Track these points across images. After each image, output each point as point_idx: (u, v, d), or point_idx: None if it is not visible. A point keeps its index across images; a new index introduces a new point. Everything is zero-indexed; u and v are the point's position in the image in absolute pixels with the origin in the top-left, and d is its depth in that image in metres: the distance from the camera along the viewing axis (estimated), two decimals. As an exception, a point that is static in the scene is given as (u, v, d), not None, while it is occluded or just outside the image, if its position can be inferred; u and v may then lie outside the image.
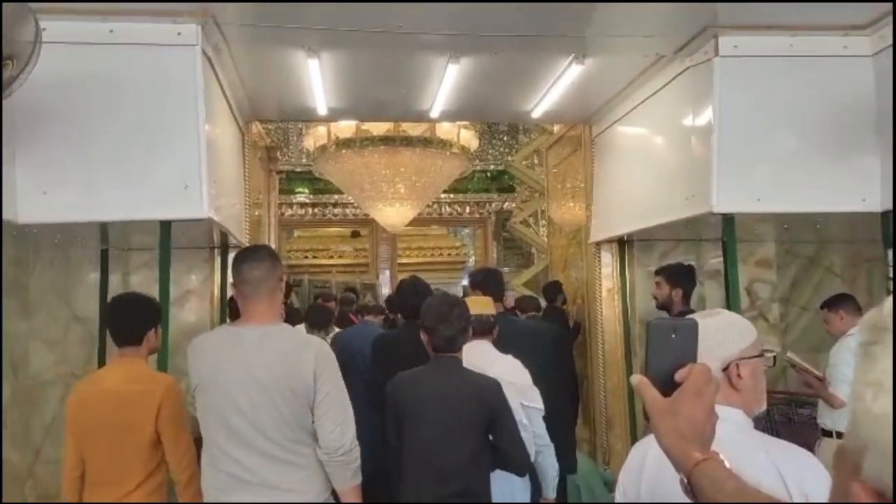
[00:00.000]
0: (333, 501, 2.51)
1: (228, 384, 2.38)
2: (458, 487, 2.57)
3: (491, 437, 2.65)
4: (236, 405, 2.36)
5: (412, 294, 3.66)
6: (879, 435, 0.53)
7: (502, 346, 3.11)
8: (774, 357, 1.53)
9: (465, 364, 2.79)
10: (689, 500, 0.94)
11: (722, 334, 1.49)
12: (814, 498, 1.28)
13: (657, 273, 4.26)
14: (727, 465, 0.92)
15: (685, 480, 0.94)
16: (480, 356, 2.94)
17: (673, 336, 1.03)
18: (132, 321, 2.79)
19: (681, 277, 4.05)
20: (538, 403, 2.97)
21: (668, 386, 0.99)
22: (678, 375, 0.99)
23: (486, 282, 3.57)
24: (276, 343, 2.44)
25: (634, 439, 4.72)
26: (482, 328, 3.08)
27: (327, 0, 2.96)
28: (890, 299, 0.58)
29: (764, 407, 1.53)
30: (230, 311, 3.95)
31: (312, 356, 2.42)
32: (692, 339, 1.04)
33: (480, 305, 3.21)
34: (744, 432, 1.44)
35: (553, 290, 6.16)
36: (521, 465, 2.74)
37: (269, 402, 2.36)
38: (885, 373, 0.54)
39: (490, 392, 2.67)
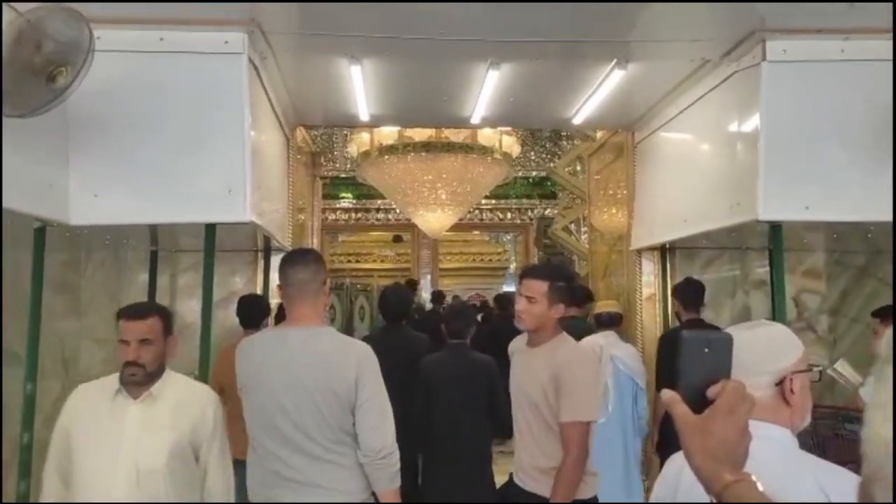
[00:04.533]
0: (374, 500, 2.53)
1: (273, 385, 2.42)
2: (468, 430, 3.61)
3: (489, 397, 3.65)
4: (281, 406, 2.40)
5: (394, 300, 4.21)
6: (888, 462, 0.51)
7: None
8: (821, 371, 1.47)
9: (593, 348, 4.01)
10: None
11: (776, 346, 1.43)
12: None
13: None
14: (760, 487, 0.88)
15: (715, 502, 0.92)
16: (605, 343, 4.12)
17: (706, 350, 0.98)
18: None
19: (676, 291, 4.43)
20: (643, 382, 4.23)
21: (699, 402, 0.95)
22: (710, 392, 0.95)
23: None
24: (320, 345, 2.47)
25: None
26: (610, 321, 4.34)
27: (369, 0, 2.97)
28: None
29: (808, 421, 1.48)
30: (276, 316, 4.05)
31: (355, 359, 2.44)
32: (726, 354, 0.99)
33: (608, 304, 4.51)
34: (789, 453, 1.38)
35: None
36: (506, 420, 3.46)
37: (311, 403, 2.39)
38: None
39: (489, 367, 3.71)
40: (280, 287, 2.60)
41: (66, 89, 2.40)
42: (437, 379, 3.67)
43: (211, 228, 3.26)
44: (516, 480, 2.83)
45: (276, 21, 3.19)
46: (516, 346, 2.99)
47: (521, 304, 2.79)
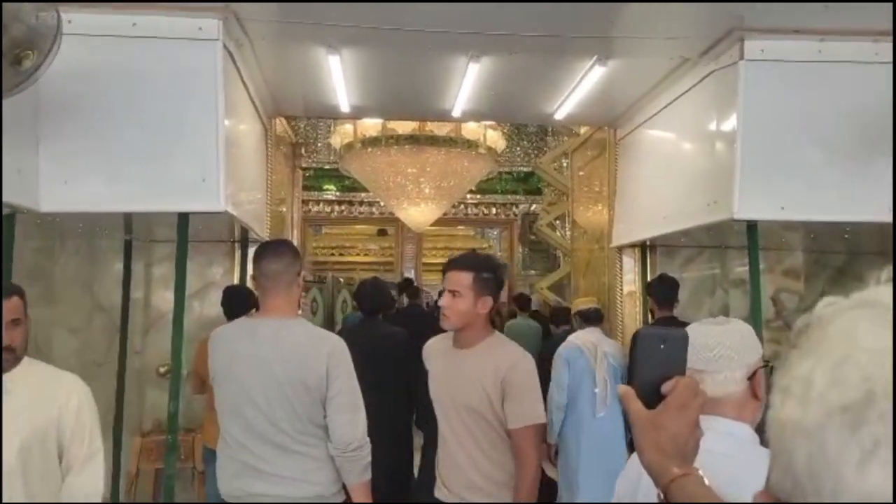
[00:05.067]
0: (344, 494, 2.52)
1: (243, 376, 2.41)
2: None
3: None
4: (250, 397, 2.39)
5: (371, 293, 4.20)
6: (781, 444, 0.51)
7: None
8: (772, 367, 1.50)
9: (582, 341, 4.22)
10: None
11: (748, 342, 1.46)
12: None
13: None
14: (706, 481, 0.89)
15: (661, 496, 0.91)
16: (594, 336, 4.27)
17: (662, 347, 0.99)
18: None
19: (650, 287, 4.42)
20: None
21: (653, 398, 0.95)
22: (664, 388, 0.95)
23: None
24: (291, 337, 2.46)
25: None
26: (596, 316, 4.47)
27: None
28: (821, 303, 0.55)
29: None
30: (225, 309, 3.99)
31: (326, 352, 2.43)
32: (681, 350, 1.00)
33: (588, 301, 4.72)
34: (750, 449, 1.40)
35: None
36: None
37: (282, 395, 2.38)
38: (795, 379, 0.51)
39: None
40: (254, 278, 2.59)
41: (32, 73, 2.35)
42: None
43: (184, 218, 3.23)
44: (444, 497, 2.56)
45: (252, 8, 3.14)
46: (436, 347, 2.74)
47: (444, 300, 2.52)
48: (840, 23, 3.12)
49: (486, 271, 2.53)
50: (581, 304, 4.71)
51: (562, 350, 4.24)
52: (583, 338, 4.28)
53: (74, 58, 2.68)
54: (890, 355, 0.46)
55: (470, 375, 2.50)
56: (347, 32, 3.37)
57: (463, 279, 2.50)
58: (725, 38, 3.27)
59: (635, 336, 1.01)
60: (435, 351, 2.72)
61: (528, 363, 2.55)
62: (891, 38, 3.16)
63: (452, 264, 2.59)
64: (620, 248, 5.13)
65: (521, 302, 7.72)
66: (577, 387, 4.12)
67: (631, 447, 1.08)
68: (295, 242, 6.04)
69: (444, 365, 2.63)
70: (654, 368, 0.97)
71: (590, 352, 4.16)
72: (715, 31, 3.27)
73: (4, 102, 2.41)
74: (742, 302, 4.89)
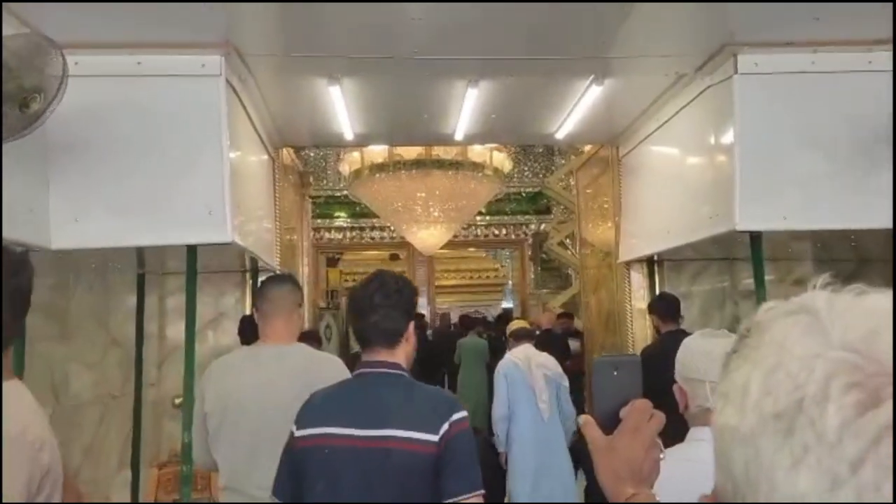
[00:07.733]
0: None
1: (247, 404, 2.41)
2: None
3: None
4: (254, 425, 2.39)
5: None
6: (721, 448, 0.53)
7: None
8: None
9: (517, 357, 4.74)
10: None
11: None
12: None
13: None
14: (657, 498, 0.91)
15: None
16: (527, 352, 4.75)
17: (615, 373, 1.02)
18: None
19: (651, 306, 4.54)
20: (566, 383, 4.73)
21: (613, 423, 0.97)
22: (622, 413, 0.97)
23: None
24: (292, 361, 2.48)
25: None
26: (527, 334, 5.02)
27: None
28: (762, 308, 0.57)
29: None
30: (242, 337, 4.05)
31: (326, 372, 2.45)
32: (635, 375, 1.03)
33: (520, 323, 5.45)
34: None
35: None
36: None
37: (287, 421, 2.39)
38: (734, 385, 0.53)
39: None
40: (256, 308, 2.63)
41: (39, 116, 2.43)
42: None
43: (192, 250, 3.28)
44: None
45: (253, 43, 3.22)
46: None
47: None
48: (831, 34, 3.15)
49: None
50: (513, 325, 5.36)
51: (500, 367, 4.81)
52: (516, 353, 4.81)
53: (81, 98, 2.75)
54: (819, 362, 0.48)
55: None
56: (346, 62, 3.44)
57: None
58: (719, 54, 3.31)
59: (592, 366, 1.04)
60: None
61: None
62: (884, 47, 3.19)
63: None
64: (628, 264, 5.13)
65: (467, 322, 8.96)
66: (517, 397, 4.63)
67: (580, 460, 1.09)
68: (306, 270, 6.11)
69: None
70: (610, 395, 1.00)
71: (524, 365, 4.67)
72: (708, 46, 3.31)
73: (14, 144, 2.48)
74: (752, 313, 4.87)
